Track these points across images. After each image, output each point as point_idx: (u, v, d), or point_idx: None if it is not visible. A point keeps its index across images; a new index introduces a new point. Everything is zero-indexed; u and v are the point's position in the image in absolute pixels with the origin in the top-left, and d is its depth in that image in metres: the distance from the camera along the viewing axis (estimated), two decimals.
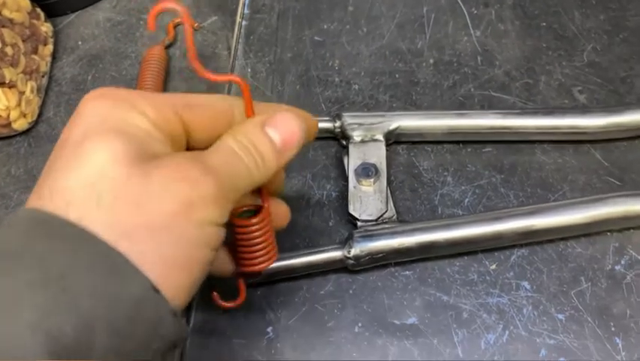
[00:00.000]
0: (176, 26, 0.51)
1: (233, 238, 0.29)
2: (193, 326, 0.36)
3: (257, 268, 0.30)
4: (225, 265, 0.30)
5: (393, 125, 0.41)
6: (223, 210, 0.24)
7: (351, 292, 0.37)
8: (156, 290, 0.22)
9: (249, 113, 0.28)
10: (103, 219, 0.21)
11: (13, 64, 0.43)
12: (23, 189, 0.43)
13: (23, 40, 0.45)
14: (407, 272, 0.38)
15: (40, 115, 0.46)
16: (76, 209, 0.21)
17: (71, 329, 0.20)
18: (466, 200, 0.40)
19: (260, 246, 0.29)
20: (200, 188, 0.23)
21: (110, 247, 0.21)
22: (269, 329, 0.36)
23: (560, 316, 0.36)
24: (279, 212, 0.31)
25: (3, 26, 0.42)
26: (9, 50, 0.43)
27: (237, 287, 0.31)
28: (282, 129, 0.27)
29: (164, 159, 0.23)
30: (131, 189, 0.22)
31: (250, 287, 0.37)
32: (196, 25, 0.51)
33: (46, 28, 0.49)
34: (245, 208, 0.29)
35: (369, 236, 0.36)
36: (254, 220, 0.28)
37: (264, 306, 0.37)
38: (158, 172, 0.22)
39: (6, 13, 0.43)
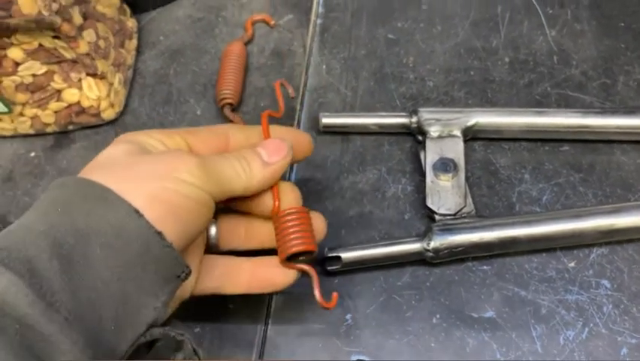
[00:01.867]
0: (254, 23, 0.52)
1: (276, 231, 0.33)
2: (274, 310, 0.38)
3: (293, 250, 0.32)
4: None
5: (470, 122, 0.42)
6: (205, 183, 0.29)
7: (428, 284, 0.38)
8: (139, 214, 0.27)
9: (266, 135, 0.34)
10: (104, 176, 0.28)
11: (105, 56, 0.45)
12: None
13: (113, 35, 0.47)
14: (484, 267, 0.38)
15: (125, 106, 0.48)
16: (85, 173, 0.29)
17: (71, 238, 0.26)
18: (544, 198, 0.40)
19: (295, 230, 0.32)
20: (185, 159, 0.29)
21: (103, 187, 0.28)
22: (347, 316, 0.37)
23: None
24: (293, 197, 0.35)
25: (97, 20, 0.45)
26: (102, 43, 0.45)
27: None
28: (269, 148, 0.33)
29: (165, 150, 0.32)
30: (127, 161, 0.30)
31: (329, 275, 0.38)
32: (272, 23, 0.52)
33: (131, 23, 0.51)
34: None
35: (449, 230, 0.37)
36: (288, 211, 0.33)
37: (342, 294, 0.38)
38: (149, 155, 0.30)
39: (99, 8, 0.46)
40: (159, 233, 0.27)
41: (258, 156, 0.32)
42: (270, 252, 0.34)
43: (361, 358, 0.35)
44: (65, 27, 0.40)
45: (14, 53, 0.42)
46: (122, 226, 0.27)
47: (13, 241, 0.26)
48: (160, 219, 0.28)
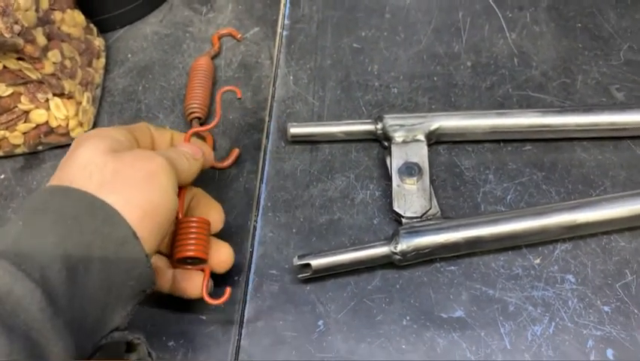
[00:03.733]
0: (220, 37, 0.53)
1: (176, 232, 0.37)
2: (246, 320, 0.38)
3: (187, 253, 0.36)
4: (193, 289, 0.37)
5: (434, 126, 0.42)
6: (174, 181, 0.34)
7: (397, 286, 0.38)
8: (136, 237, 0.30)
9: (187, 138, 0.40)
10: (95, 186, 0.31)
11: (72, 76, 0.46)
12: None
13: (80, 54, 0.48)
14: (452, 267, 0.39)
15: (95, 124, 0.49)
16: (78, 184, 0.31)
17: (78, 251, 0.29)
18: (509, 197, 0.41)
19: (193, 236, 0.36)
20: (157, 161, 0.33)
21: (104, 202, 0.30)
22: (320, 323, 0.37)
23: (606, 308, 0.36)
24: (215, 219, 0.39)
25: (62, 41, 0.45)
26: (68, 63, 0.45)
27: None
28: (191, 148, 0.38)
29: (134, 151, 0.34)
30: (110, 166, 0.32)
31: (300, 283, 0.39)
32: (239, 36, 0.53)
33: (98, 42, 0.52)
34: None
35: (415, 232, 0.37)
36: (193, 218, 0.37)
37: (314, 301, 0.38)
38: (125, 156, 0.33)
39: (64, 28, 0.46)
40: (147, 255, 0.31)
41: (191, 154, 0.37)
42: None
43: None
44: (29, 48, 0.41)
45: None
46: (122, 245, 0.30)
47: (26, 246, 0.28)
48: (147, 235, 0.31)
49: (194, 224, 0.36)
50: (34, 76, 0.43)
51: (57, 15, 0.45)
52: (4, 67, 0.42)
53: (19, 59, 0.42)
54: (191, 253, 0.36)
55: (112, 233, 0.30)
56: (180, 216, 0.37)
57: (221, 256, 0.37)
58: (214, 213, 0.39)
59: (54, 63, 0.43)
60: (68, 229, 0.29)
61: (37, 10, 0.42)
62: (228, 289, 0.35)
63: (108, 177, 0.31)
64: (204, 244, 0.36)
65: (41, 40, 0.42)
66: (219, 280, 0.38)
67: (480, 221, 0.38)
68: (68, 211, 0.30)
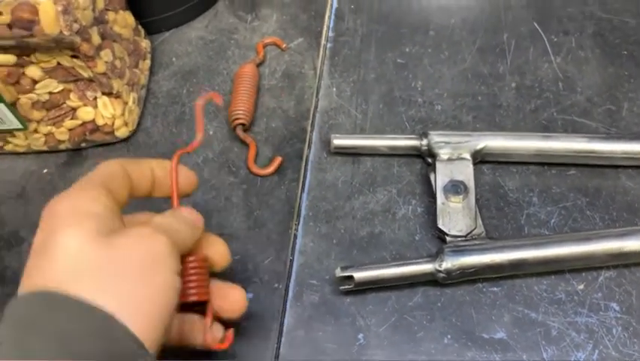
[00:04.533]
0: (265, 46, 0.53)
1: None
2: (286, 330, 0.38)
3: (189, 299, 0.32)
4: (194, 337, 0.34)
5: (480, 145, 0.42)
6: (177, 261, 0.30)
7: (439, 304, 0.38)
8: (143, 348, 0.26)
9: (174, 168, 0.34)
10: (90, 287, 0.26)
11: (120, 76, 0.46)
12: None
13: (128, 55, 0.48)
14: (495, 288, 0.38)
15: (138, 124, 0.49)
16: (69, 286, 0.26)
17: None
18: (552, 221, 0.41)
19: (194, 280, 0.32)
20: (157, 244, 0.29)
21: (105, 314, 0.26)
22: (360, 336, 0.37)
23: None
24: (218, 252, 0.34)
25: (114, 41, 0.46)
26: (118, 63, 0.46)
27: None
28: (191, 213, 0.33)
29: (122, 232, 0.29)
30: (104, 261, 0.27)
31: (340, 295, 0.39)
32: (284, 46, 0.54)
33: (145, 44, 0.52)
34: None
35: (461, 251, 0.37)
36: (190, 258, 0.33)
37: (354, 313, 0.38)
38: (120, 240, 0.28)
39: (116, 28, 0.47)
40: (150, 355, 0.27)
41: (193, 221, 0.33)
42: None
43: None
44: (85, 47, 0.41)
45: (32, 72, 0.42)
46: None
47: None
48: (154, 335, 0.27)
49: (193, 264, 0.33)
50: (85, 74, 0.43)
51: (110, 15, 0.46)
52: (58, 64, 0.42)
53: (73, 56, 0.42)
54: (194, 298, 0.32)
55: (115, 350, 0.25)
56: None
57: (233, 300, 0.34)
58: (218, 248, 0.34)
59: (106, 62, 0.44)
60: (65, 351, 0.24)
61: (93, 10, 0.42)
62: (230, 333, 0.33)
63: (104, 273, 0.27)
64: (206, 284, 0.33)
65: (96, 39, 0.43)
66: (257, 286, 0.38)
67: (525, 243, 0.38)
68: (63, 327, 0.25)
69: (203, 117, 0.35)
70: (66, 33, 0.39)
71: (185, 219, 0.32)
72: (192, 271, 0.32)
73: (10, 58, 0.41)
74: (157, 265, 0.28)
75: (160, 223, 0.31)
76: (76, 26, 0.39)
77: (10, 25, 0.38)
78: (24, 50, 0.41)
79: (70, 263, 0.27)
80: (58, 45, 0.41)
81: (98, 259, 0.27)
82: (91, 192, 0.30)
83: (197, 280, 0.32)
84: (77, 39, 0.40)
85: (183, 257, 0.32)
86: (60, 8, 0.38)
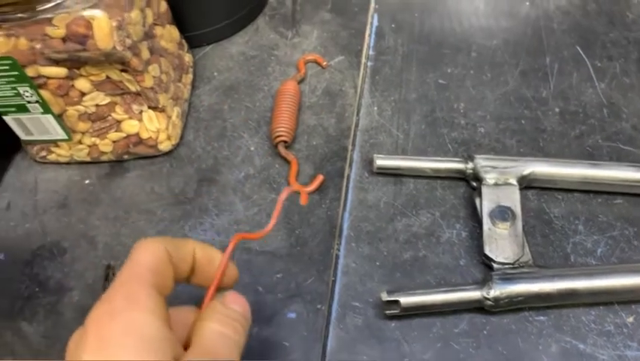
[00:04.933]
0: (306, 63, 0.54)
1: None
2: (329, 351, 0.38)
3: None
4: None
5: (527, 171, 0.42)
6: None
7: (485, 332, 0.38)
8: None
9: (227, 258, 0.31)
10: None
11: (166, 90, 0.46)
12: (166, 206, 0.45)
13: (173, 69, 0.49)
14: (541, 317, 0.38)
15: (180, 138, 0.49)
16: None
17: None
18: (599, 250, 0.41)
19: None
20: None
21: None
22: None
23: None
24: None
25: (161, 55, 0.46)
26: (164, 77, 0.46)
27: None
28: (239, 304, 0.30)
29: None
30: None
31: (385, 319, 0.38)
32: (324, 63, 0.54)
33: (188, 58, 0.53)
34: None
35: (509, 279, 0.37)
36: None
37: (398, 338, 0.38)
38: None
39: (163, 43, 0.47)
40: None
41: (241, 315, 0.30)
42: None
43: None
44: (134, 62, 0.41)
45: (82, 84, 0.43)
46: None
47: None
48: None
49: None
50: (133, 88, 0.44)
51: (158, 30, 0.46)
52: (107, 77, 0.43)
53: (122, 70, 0.42)
54: None
55: None
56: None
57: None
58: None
59: (153, 77, 0.44)
60: None
61: (143, 25, 0.43)
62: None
63: None
64: None
65: (145, 54, 0.43)
66: (300, 306, 0.38)
67: (575, 273, 0.37)
68: None
69: (281, 210, 0.33)
70: (119, 48, 0.39)
71: (237, 320, 0.29)
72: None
73: (61, 71, 0.41)
74: None
75: (217, 347, 0.28)
76: (128, 41, 0.40)
77: (64, 39, 0.39)
78: (75, 63, 0.41)
79: None
80: (108, 59, 0.41)
81: None
82: (143, 304, 0.26)
83: None
84: (128, 54, 0.41)
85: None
86: (115, 24, 0.38)
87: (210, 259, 0.31)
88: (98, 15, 0.38)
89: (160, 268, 0.28)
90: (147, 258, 0.28)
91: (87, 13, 0.38)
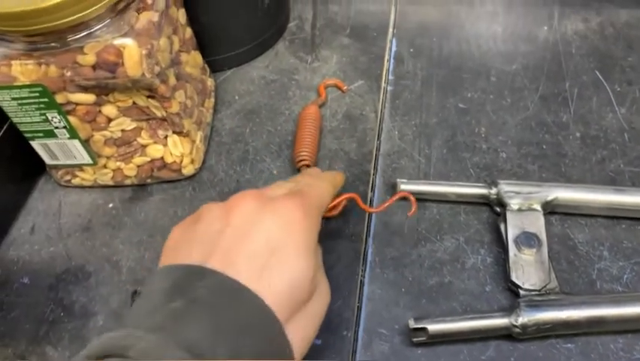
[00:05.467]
0: (326, 87, 0.54)
1: None
2: None
3: None
4: None
5: (551, 196, 0.42)
6: (316, 238, 0.33)
7: (512, 359, 0.37)
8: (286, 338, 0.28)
9: None
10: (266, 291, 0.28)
11: (190, 115, 0.47)
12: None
13: (197, 94, 0.49)
14: (569, 345, 0.38)
15: (203, 162, 0.50)
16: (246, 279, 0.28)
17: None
18: (625, 277, 0.40)
19: None
20: (303, 225, 0.31)
21: (262, 304, 0.28)
22: None
23: None
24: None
25: (186, 81, 0.47)
26: (189, 103, 0.47)
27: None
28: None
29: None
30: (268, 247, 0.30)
31: (412, 346, 0.38)
32: (345, 88, 0.54)
33: (210, 82, 0.53)
34: None
35: (537, 306, 0.37)
36: None
37: None
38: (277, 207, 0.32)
39: (188, 69, 0.48)
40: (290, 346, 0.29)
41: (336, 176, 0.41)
42: None
43: None
44: (162, 88, 0.42)
45: (108, 110, 0.43)
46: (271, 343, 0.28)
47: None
48: (291, 323, 0.29)
49: None
50: (159, 113, 0.44)
51: (184, 56, 0.47)
52: (134, 103, 0.43)
53: (149, 96, 0.43)
54: None
55: (266, 336, 0.28)
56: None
57: None
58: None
59: (179, 103, 0.45)
60: (233, 334, 0.27)
61: (170, 52, 0.43)
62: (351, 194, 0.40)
63: (264, 272, 0.29)
64: None
65: (172, 80, 0.44)
66: (326, 332, 0.38)
67: (603, 300, 0.37)
68: (231, 325, 0.27)
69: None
70: (148, 75, 0.40)
71: (327, 176, 0.39)
72: None
73: (89, 97, 0.42)
74: (301, 251, 0.30)
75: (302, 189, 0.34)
76: (157, 69, 0.40)
77: (94, 67, 0.39)
78: (103, 90, 0.42)
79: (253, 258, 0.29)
80: (135, 85, 0.42)
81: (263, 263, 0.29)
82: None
83: None
84: (157, 81, 0.41)
85: None
86: (145, 52, 0.39)
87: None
88: (128, 43, 0.39)
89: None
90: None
91: (117, 42, 0.39)
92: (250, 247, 0.29)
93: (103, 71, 0.39)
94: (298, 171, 0.48)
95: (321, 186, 0.37)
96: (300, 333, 0.29)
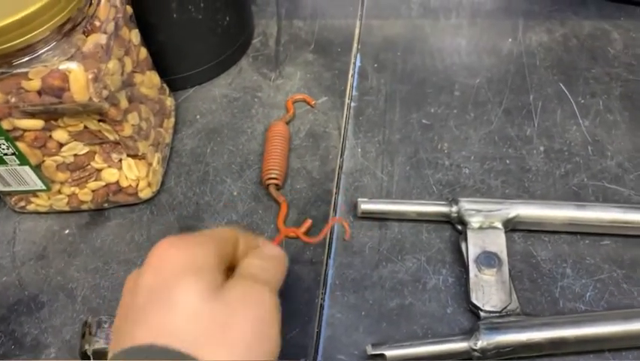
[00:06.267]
0: (294, 102, 0.53)
1: None
2: None
3: None
4: None
5: (512, 214, 0.42)
6: (279, 317, 0.30)
7: None
8: None
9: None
10: (204, 344, 0.26)
11: (146, 137, 0.46)
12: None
13: (154, 115, 0.48)
14: None
15: (162, 184, 0.49)
16: (186, 341, 0.26)
17: None
18: (588, 294, 0.40)
19: None
20: (267, 304, 0.29)
21: None
22: None
23: None
24: None
25: (141, 102, 0.46)
26: (144, 125, 0.46)
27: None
28: (274, 247, 0.35)
29: (232, 286, 0.29)
30: (219, 317, 0.27)
31: None
32: (313, 102, 0.53)
33: (170, 102, 0.52)
34: None
35: (496, 328, 0.36)
36: None
37: None
38: (232, 295, 0.28)
39: (143, 90, 0.47)
40: None
41: (279, 253, 0.34)
42: None
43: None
44: (113, 112, 0.41)
45: (59, 135, 0.42)
46: None
47: None
48: None
49: None
50: (111, 137, 0.43)
51: (138, 77, 0.46)
52: (85, 127, 0.42)
53: (100, 120, 0.42)
54: None
55: None
56: None
57: None
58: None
59: (132, 125, 0.44)
60: None
61: (122, 74, 0.42)
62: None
63: (217, 330, 0.27)
64: None
65: (124, 103, 0.42)
66: None
67: (564, 321, 0.36)
68: None
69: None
70: (95, 100, 0.39)
71: (277, 256, 0.33)
72: None
73: (37, 123, 0.41)
74: (266, 329, 0.28)
75: (260, 274, 0.31)
76: (105, 92, 0.39)
77: (39, 92, 0.38)
78: (51, 115, 0.41)
79: (184, 317, 0.27)
80: (85, 110, 0.40)
81: (212, 316, 0.27)
82: (206, 246, 0.30)
83: None
84: (106, 105, 0.40)
85: None
86: (91, 76, 0.38)
87: (250, 240, 0.34)
88: (73, 67, 0.37)
89: (227, 238, 0.32)
90: (216, 230, 0.33)
91: (63, 66, 0.38)
92: None
93: (49, 97, 0.38)
94: (266, 189, 0.47)
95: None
96: None
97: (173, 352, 0.25)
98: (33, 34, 0.36)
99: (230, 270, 0.32)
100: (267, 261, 0.32)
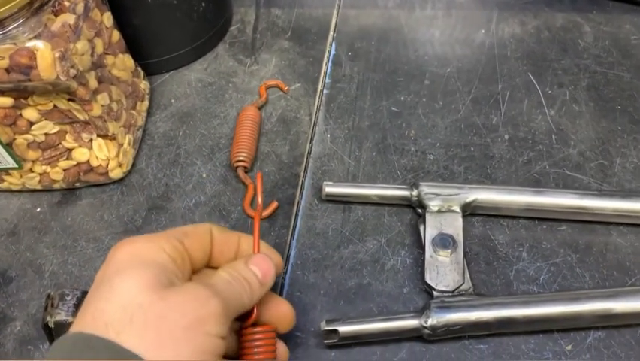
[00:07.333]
0: (268, 88, 0.54)
1: (239, 346, 0.34)
2: None
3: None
4: None
5: (470, 198, 0.42)
6: (225, 326, 0.29)
7: None
8: None
9: (256, 247, 0.35)
10: (135, 335, 0.26)
11: (117, 118, 0.47)
12: (114, 235, 0.46)
13: (126, 97, 0.49)
14: (481, 346, 0.38)
15: (133, 165, 0.49)
16: (114, 328, 0.27)
17: None
18: (542, 277, 0.41)
19: (261, 348, 0.33)
20: (209, 307, 0.28)
21: None
22: None
23: None
24: (281, 314, 0.35)
25: (112, 84, 0.46)
26: (114, 106, 0.46)
27: None
28: (261, 267, 0.33)
29: (179, 287, 0.29)
30: (154, 310, 0.27)
31: (325, 348, 0.38)
32: (286, 89, 0.54)
33: (144, 85, 0.53)
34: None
35: (447, 307, 0.37)
36: (257, 329, 0.33)
37: None
38: (174, 296, 0.28)
39: (115, 72, 0.48)
40: None
41: (256, 278, 0.33)
42: None
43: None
44: (81, 91, 0.42)
45: (29, 113, 0.43)
46: None
47: None
48: None
49: (259, 335, 0.33)
50: (81, 117, 0.44)
51: (109, 59, 0.47)
52: (55, 106, 0.43)
53: (69, 99, 0.43)
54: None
55: None
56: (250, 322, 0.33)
57: (281, 315, 0.35)
58: (282, 309, 0.35)
59: (102, 106, 0.44)
60: None
61: (92, 55, 0.43)
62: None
63: (151, 324, 0.27)
64: (273, 350, 0.34)
65: (93, 83, 0.43)
66: None
67: (513, 301, 0.37)
68: None
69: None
70: (63, 78, 0.40)
71: (248, 279, 0.32)
72: (259, 343, 0.33)
73: (7, 100, 0.42)
74: (202, 327, 0.28)
75: (218, 285, 0.30)
76: (73, 72, 0.40)
77: (7, 70, 0.39)
78: (21, 93, 0.42)
79: (120, 307, 0.27)
80: (54, 89, 0.41)
81: (149, 309, 0.27)
82: (160, 242, 0.31)
83: (264, 349, 0.33)
84: (74, 84, 0.41)
85: (252, 326, 0.33)
86: (57, 54, 0.39)
87: (229, 236, 0.34)
88: (40, 46, 0.38)
89: (196, 234, 0.33)
90: (188, 226, 0.34)
91: (30, 43, 0.38)
92: None
93: (16, 74, 0.39)
94: (234, 171, 0.48)
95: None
96: None
97: (98, 339, 0.26)
98: (1, 9, 0.37)
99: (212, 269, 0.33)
100: (236, 280, 0.31)
